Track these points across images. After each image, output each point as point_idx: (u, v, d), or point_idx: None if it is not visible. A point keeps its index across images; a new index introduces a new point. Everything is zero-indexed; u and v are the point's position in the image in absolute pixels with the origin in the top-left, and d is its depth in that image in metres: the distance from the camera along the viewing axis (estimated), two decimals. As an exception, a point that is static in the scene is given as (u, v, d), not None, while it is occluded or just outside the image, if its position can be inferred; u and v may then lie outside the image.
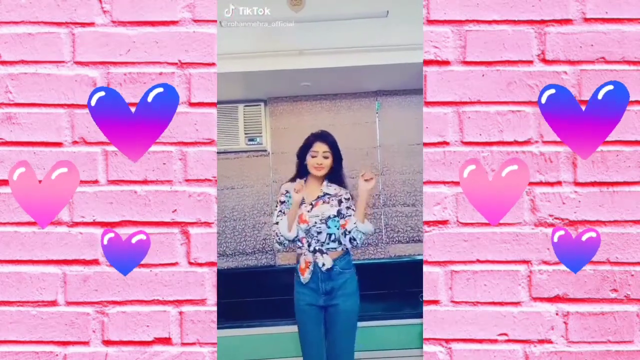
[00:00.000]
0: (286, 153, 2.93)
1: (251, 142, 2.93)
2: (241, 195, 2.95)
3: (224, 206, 2.96)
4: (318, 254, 1.93)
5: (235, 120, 2.93)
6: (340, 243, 1.96)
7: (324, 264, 1.92)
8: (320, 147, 1.98)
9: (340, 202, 1.96)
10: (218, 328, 2.32)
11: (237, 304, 2.71)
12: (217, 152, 3.13)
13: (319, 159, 1.97)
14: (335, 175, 2.01)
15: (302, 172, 2.04)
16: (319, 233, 1.94)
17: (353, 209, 1.97)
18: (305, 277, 1.94)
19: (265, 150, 2.96)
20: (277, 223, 1.97)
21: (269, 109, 2.98)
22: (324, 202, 1.96)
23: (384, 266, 2.84)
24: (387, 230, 2.94)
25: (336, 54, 2.42)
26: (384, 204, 2.96)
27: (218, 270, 3.04)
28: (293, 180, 2.05)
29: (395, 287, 2.75)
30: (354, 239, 1.92)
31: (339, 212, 1.95)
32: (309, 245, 1.94)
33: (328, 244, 1.94)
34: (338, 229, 1.93)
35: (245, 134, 2.93)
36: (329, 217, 1.93)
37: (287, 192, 2.02)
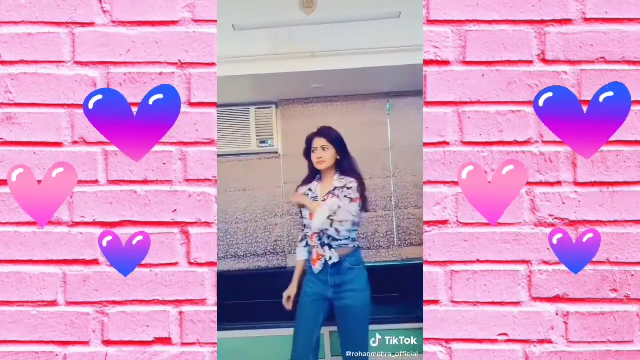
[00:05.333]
0: (297, 155, 2.93)
1: (263, 144, 2.95)
2: (252, 197, 2.97)
3: (235, 208, 2.98)
4: (326, 248, 1.97)
5: (247, 122, 2.95)
6: (353, 240, 1.99)
7: (331, 258, 1.96)
8: (318, 142, 2.03)
9: (350, 194, 1.98)
10: (228, 329, 2.33)
11: (247, 305, 2.72)
12: (230, 155, 3.16)
13: (318, 153, 2.01)
14: (343, 166, 2.03)
15: (313, 172, 2.09)
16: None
17: (350, 197, 1.98)
18: (317, 267, 1.98)
19: (277, 152, 2.97)
20: (301, 240, 2.11)
21: (280, 111, 2.99)
22: (333, 195, 1.99)
23: (396, 269, 2.83)
24: (398, 233, 2.94)
25: (348, 56, 2.42)
26: (396, 206, 2.95)
27: (230, 271, 3.06)
28: (305, 182, 2.11)
29: (407, 290, 2.74)
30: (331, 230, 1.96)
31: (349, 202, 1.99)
32: (320, 239, 1.98)
33: (337, 239, 1.97)
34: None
35: (257, 136, 2.95)
36: (335, 212, 1.96)
37: (303, 194, 2.08)
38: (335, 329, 2.08)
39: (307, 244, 2.08)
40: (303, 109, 2.99)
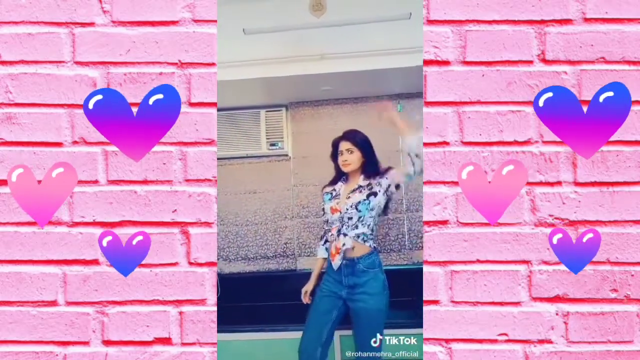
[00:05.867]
0: (307, 157, 2.96)
1: (273, 147, 2.97)
2: (263, 199, 2.99)
3: (246, 210, 2.99)
4: (341, 236, 1.99)
5: (257, 125, 2.97)
6: (372, 231, 2.02)
7: (344, 244, 1.97)
8: (343, 146, 2.08)
9: (370, 187, 2.03)
10: (237, 332, 2.33)
11: (257, 307, 2.73)
12: (240, 157, 3.17)
13: (344, 156, 2.06)
14: (368, 169, 2.07)
15: (339, 174, 2.15)
16: (349, 218, 2.00)
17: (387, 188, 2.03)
18: (336, 262, 2.00)
19: (287, 155, 2.98)
20: (322, 241, 2.15)
21: (290, 113, 3.00)
22: (359, 192, 2.04)
23: (408, 272, 2.82)
24: (410, 236, 2.93)
25: (357, 58, 2.42)
26: (407, 209, 2.94)
27: (239, 273, 3.05)
28: (332, 182, 2.15)
29: (419, 293, 2.72)
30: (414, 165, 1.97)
31: (369, 194, 2.01)
32: (338, 231, 2.01)
33: (357, 227, 1.99)
34: (367, 210, 2.00)
35: (267, 138, 2.97)
36: (359, 202, 2.00)
37: (326, 192, 2.13)
38: (345, 332, 2.10)
39: (326, 242, 2.11)
40: (313, 111, 2.99)
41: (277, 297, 2.78)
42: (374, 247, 2.02)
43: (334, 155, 2.12)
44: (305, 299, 2.15)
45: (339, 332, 2.12)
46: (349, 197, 2.02)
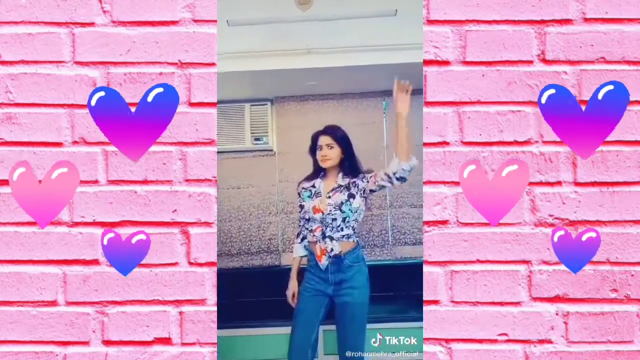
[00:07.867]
0: (292, 153, 2.93)
1: (257, 142, 2.94)
2: (247, 195, 2.96)
3: (229, 206, 2.97)
4: (328, 240, 1.98)
5: (242, 119, 2.94)
6: (354, 231, 2.00)
7: (332, 249, 1.97)
8: (323, 140, 2.05)
9: (348, 187, 2.01)
10: (222, 328, 2.32)
11: (241, 303, 2.72)
12: (224, 152, 3.11)
13: (324, 151, 2.03)
14: (346, 165, 2.05)
15: (317, 169, 2.12)
16: (333, 219, 1.99)
17: (362, 184, 2.01)
18: (323, 263, 1.99)
19: (272, 150, 2.97)
20: (298, 240, 2.13)
21: (275, 108, 2.98)
22: (340, 192, 2.02)
23: (390, 268, 2.83)
24: (393, 232, 2.94)
25: (343, 53, 2.42)
26: (391, 205, 2.95)
27: (223, 270, 3.01)
28: (308, 179, 2.12)
29: (401, 289, 2.74)
30: (403, 178, 1.94)
31: (349, 195, 1.99)
32: (323, 233, 2.00)
33: (342, 229, 1.99)
34: (352, 212, 1.98)
35: (252, 133, 2.94)
36: (342, 203, 1.98)
37: (303, 189, 2.10)
38: (329, 327, 2.08)
39: (303, 239, 2.10)
40: (298, 106, 2.98)
41: (261, 293, 2.78)
42: (357, 240, 2.02)
43: (313, 149, 2.09)
44: (294, 302, 2.10)
45: (322, 327, 2.11)
46: (330, 197, 2.01)
